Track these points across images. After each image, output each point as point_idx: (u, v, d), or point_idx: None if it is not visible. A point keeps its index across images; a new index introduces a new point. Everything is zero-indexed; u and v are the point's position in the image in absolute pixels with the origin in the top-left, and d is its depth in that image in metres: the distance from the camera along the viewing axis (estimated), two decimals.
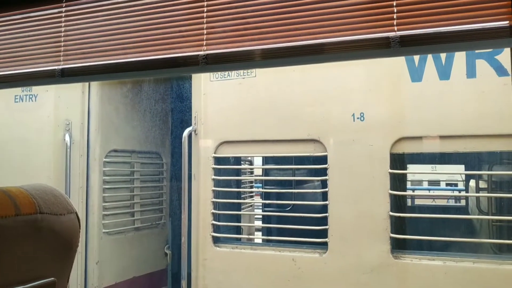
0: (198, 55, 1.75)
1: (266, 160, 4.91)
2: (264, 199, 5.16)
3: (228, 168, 4.00)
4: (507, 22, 1.35)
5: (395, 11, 1.46)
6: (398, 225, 3.33)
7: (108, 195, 4.37)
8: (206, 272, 3.76)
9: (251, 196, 5.73)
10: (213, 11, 1.74)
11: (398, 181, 3.48)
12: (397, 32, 1.45)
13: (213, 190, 3.77)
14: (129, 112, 4.67)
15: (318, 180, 3.76)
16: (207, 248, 3.75)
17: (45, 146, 4.25)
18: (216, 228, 3.77)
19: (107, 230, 4.33)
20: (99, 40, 1.97)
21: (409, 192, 5.23)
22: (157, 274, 4.85)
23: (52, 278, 0.98)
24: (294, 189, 4.59)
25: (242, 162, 5.16)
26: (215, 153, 3.78)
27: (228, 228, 4.18)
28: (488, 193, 4.16)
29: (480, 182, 4.60)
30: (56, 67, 2.05)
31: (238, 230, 4.68)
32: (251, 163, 5.61)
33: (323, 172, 3.48)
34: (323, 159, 3.48)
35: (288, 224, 3.81)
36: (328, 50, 1.57)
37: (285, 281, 3.47)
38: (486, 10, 1.38)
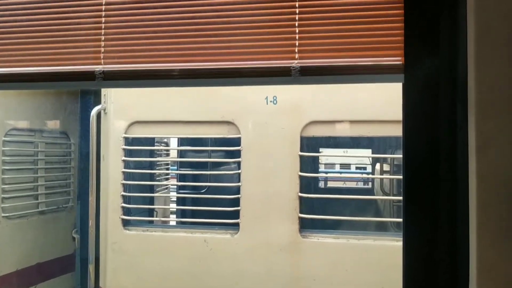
0: (94, 70, 1.69)
1: (182, 141, 4.84)
2: (179, 181, 5.10)
3: (140, 149, 3.88)
4: (400, 60, 1.48)
5: (297, 44, 1.56)
6: (308, 205, 3.45)
7: (8, 176, 4.05)
8: (116, 256, 3.64)
9: (167, 179, 5.63)
10: (112, 27, 1.70)
11: (308, 163, 3.60)
12: (298, 63, 1.55)
13: (124, 172, 3.65)
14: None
15: (232, 162, 3.78)
16: (116, 231, 3.64)
17: None
18: (126, 211, 3.66)
19: (7, 214, 4.02)
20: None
21: (318, 174, 5.43)
22: (64, 259, 4.62)
23: None
24: (211, 171, 4.58)
25: (157, 144, 5.04)
26: (125, 133, 3.65)
27: (140, 211, 4.08)
28: (390, 175, 4.44)
29: (384, 165, 4.90)
30: None
31: (150, 212, 4.58)
32: (167, 144, 5.50)
33: (237, 154, 3.50)
34: (236, 141, 3.50)
35: (202, 206, 3.80)
36: (231, 74, 1.62)
37: (195, 262, 3.47)
38: (381, 47, 1.51)
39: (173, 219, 5.11)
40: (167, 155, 5.75)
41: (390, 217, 4.31)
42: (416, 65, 1.43)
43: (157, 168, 5.11)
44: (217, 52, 1.62)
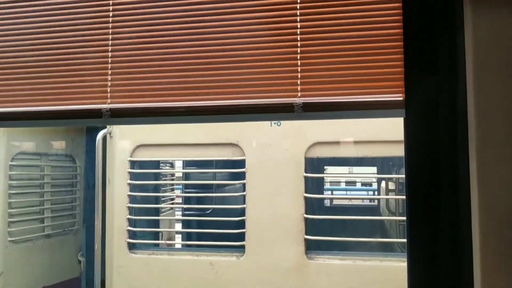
0: (101, 108, 1.73)
1: (187, 163, 4.85)
2: (184, 203, 5.10)
3: (145, 172, 3.90)
4: (401, 95, 1.52)
5: (299, 76, 1.61)
6: (313, 226, 3.44)
7: (15, 200, 4.07)
8: (121, 279, 3.64)
9: (172, 199, 5.63)
10: (119, 61, 1.75)
11: (312, 184, 3.60)
12: (300, 99, 1.60)
13: (129, 195, 3.66)
14: None
15: (237, 184, 3.78)
16: (122, 254, 3.64)
17: None
18: (131, 234, 3.66)
19: (13, 238, 4.04)
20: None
21: (322, 195, 5.41)
22: (69, 282, 4.61)
23: None
24: (215, 193, 4.58)
25: (162, 166, 5.06)
26: (131, 156, 3.67)
27: (146, 234, 4.08)
28: (395, 194, 4.43)
29: (390, 183, 4.89)
30: None
31: (156, 235, 4.58)
32: (172, 165, 5.51)
33: (242, 175, 3.51)
34: (241, 163, 3.52)
35: (207, 228, 3.80)
36: (235, 111, 1.67)
37: (201, 285, 3.46)
38: (383, 81, 1.55)
39: (178, 242, 5.09)
40: (172, 177, 5.75)
41: (396, 237, 4.27)
42: (417, 101, 1.47)
43: (163, 190, 5.12)
44: (221, 86, 1.66)
